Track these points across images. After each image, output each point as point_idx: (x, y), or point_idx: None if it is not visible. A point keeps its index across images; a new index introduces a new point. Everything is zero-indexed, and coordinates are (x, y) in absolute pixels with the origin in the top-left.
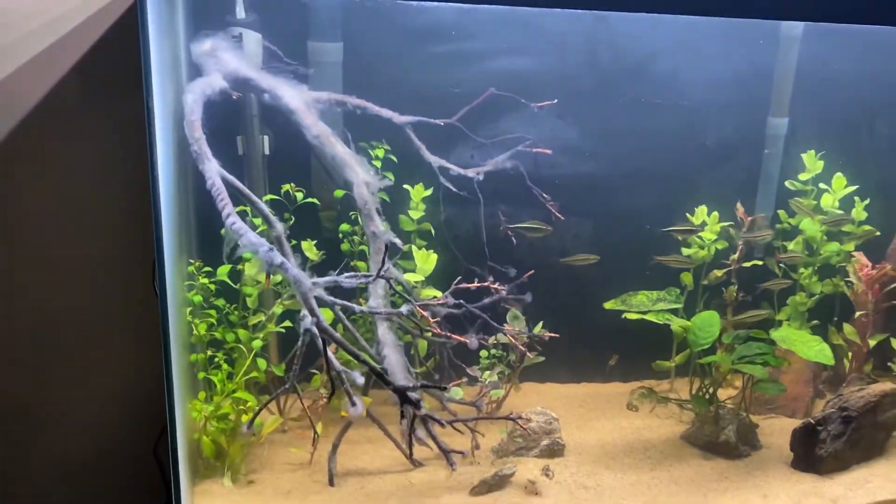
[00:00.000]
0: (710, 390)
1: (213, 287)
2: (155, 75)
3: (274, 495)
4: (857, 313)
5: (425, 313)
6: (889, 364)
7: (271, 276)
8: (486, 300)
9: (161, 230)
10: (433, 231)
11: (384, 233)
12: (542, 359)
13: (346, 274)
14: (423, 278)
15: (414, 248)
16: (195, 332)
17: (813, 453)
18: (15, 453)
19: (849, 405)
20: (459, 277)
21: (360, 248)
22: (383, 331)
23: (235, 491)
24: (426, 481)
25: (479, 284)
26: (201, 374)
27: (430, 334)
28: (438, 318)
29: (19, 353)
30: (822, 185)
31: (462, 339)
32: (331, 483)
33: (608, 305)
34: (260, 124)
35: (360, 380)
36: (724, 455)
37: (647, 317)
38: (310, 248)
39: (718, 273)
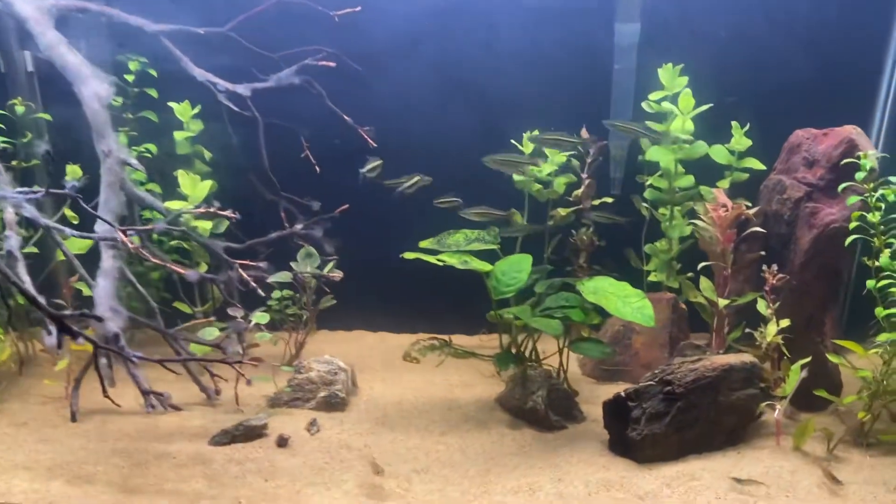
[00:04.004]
0: (524, 347)
1: None
2: None
3: (8, 426)
4: (702, 264)
5: (126, 239)
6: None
7: None
8: (274, 235)
9: None
10: (207, 154)
11: (116, 151)
12: (334, 302)
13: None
14: (192, 206)
15: (180, 173)
16: None
17: (625, 434)
18: None
19: (673, 379)
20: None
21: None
22: (105, 258)
23: None
24: (175, 425)
25: (221, 212)
26: None
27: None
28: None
29: None
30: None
31: (181, 270)
32: (73, 419)
33: (423, 244)
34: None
35: None
36: (535, 424)
37: (440, 259)
38: (73, 171)
39: (563, 212)
